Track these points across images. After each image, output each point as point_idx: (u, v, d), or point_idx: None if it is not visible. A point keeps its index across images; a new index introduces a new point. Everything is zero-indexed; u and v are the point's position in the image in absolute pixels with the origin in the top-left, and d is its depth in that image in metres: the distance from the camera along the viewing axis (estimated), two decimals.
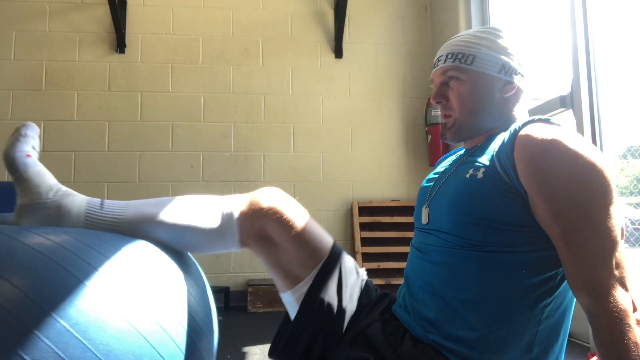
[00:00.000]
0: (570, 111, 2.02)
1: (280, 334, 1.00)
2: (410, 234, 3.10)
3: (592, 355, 1.75)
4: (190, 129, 3.21)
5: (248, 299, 2.90)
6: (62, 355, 0.69)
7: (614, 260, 0.75)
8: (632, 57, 1.95)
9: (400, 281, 2.99)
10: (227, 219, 0.97)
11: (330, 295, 0.96)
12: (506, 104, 0.96)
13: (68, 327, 0.71)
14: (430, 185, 1.01)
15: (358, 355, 0.88)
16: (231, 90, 3.27)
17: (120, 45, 3.17)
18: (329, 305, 0.95)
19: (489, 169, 0.86)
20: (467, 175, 0.88)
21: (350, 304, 0.97)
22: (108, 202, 0.99)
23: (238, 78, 3.29)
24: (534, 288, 0.83)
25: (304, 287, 0.96)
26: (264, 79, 3.31)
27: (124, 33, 3.17)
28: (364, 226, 3.22)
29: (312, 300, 0.95)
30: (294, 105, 3.32)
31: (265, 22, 3.36)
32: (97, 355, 0.72)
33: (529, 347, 0.83)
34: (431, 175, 1.06)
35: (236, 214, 0.97)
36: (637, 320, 0.73)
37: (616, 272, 0.74)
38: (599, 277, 0.74)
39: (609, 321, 0.72)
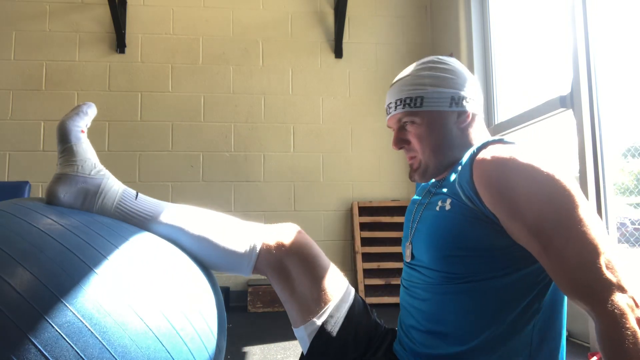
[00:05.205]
0: (570, 111, 2.02)
1: None
2: None
3: (592, 355, 1.75)
4: (190, 129, 3.21)
5: (248, 299, 2.90)
6: (82, 355, 0.71)
7: (601, 262, 0.72)
8: (632, 57, 1.95)
9: (399, 281, 2.99)
10: (249, 244, 1.01)
11: (341, 333, 0.97)
12: (465, 133, 0.95)
13: (89, 327, 0.73)
14: (411, 219, 1.02)
15: None
16: (231, 90, 3.27)
17: (120, 45, 3.17)
18: (339, 344, 0.97)
19: (455, 198, 0.87)
20: (437, 208, 0.90)
21: (360, 343, 0.99)
22: (142, 197, 1.02)
23: (238, 78, 3.29)
24: (518, 309, 0.83)
25: (316, 322, 0.98)
26: (264, 79, 3.31)
27: (124, 33, 3.18)
28: (364, 226, 3.22)
29: (324, 337, 0.97)
30: (294, 105, 3.32)
31: (265, 22, 3.36)
32: (113, 356, 0.73)
33: None
34: (410, 206, 1.07)
35: (259, 243, 1.01)
36: (637, 318, 0.69)
37: (608, 274, 0.72)
38: (588, 282, 0.72)
39: (606, 325, 0.70)
